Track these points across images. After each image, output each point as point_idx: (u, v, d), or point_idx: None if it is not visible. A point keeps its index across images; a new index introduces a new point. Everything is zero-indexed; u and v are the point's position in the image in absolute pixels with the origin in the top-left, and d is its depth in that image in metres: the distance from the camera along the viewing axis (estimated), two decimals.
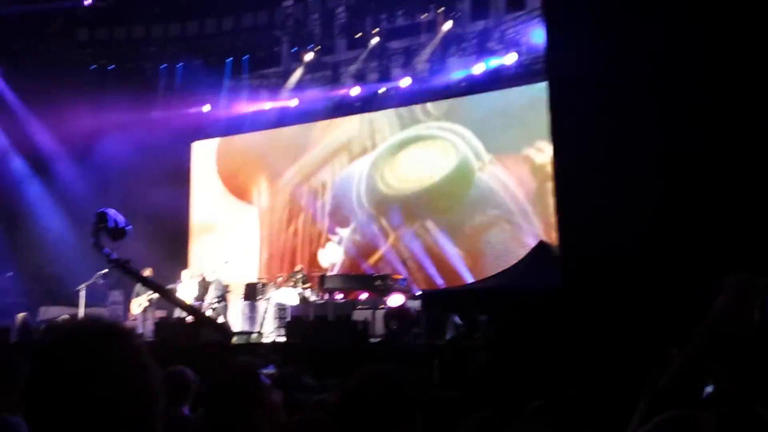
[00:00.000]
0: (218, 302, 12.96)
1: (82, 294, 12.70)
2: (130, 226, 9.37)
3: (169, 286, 12.34)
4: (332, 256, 15.52)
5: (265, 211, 17.65)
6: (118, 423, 1.32)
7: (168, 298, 11.55)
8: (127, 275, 10.43)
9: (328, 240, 16.07)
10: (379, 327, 10.55)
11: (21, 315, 11.93)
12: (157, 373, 1.40)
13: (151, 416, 1.37)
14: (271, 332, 11.52)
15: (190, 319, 10.78)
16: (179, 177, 17.98)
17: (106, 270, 11.81)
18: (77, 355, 1.33)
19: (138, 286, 12.56)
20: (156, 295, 12.43)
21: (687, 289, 4.49)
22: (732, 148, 4.96)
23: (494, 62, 14.80)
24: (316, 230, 16.54)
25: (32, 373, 1.36)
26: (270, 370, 6.25)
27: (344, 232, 15.92)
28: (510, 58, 14.54)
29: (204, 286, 13.51)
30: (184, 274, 13.74)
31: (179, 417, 3.98)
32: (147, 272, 11.08)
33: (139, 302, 12.84)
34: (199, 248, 17.92)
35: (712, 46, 5.24)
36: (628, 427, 2.09)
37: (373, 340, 10.15)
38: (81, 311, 12.57)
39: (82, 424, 1.31)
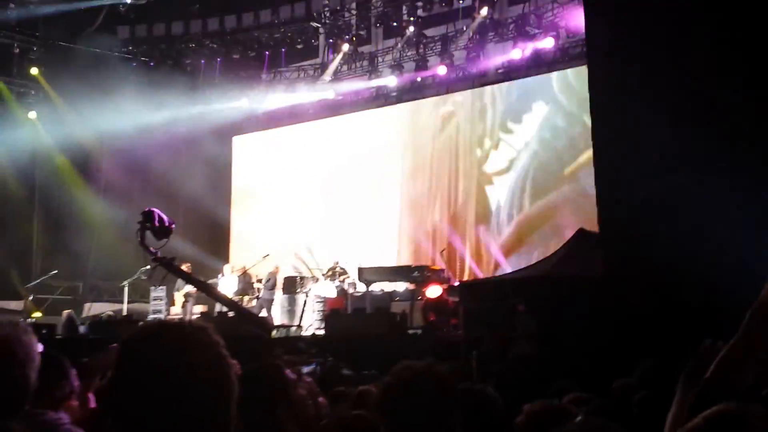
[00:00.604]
0: (268, 295, 12.95)
1: (126, 290, 12.88)
2: (174, 225, 9.46)
3: (210, 281, 12.46)
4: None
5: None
6: (200, 412, 1.39)
7: (209, 293, 11.68)
8: (171, 272, 10.51)
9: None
10: (418, 318, 10.48)
11: (66, 312, 12.13)
12: (232, 365, 1.47)
13: (228, 405, 1.43)
14: (310, 325, 11.53)
15: (231, 313, 10.85)
16: (220, 172, 18.11)
17: (149, 267, 11.93)
18: (161, 348, 1.41)
19: (179, 283, 12.70)
20: (195, 290, 12.55)
21: (728, 279, 4.36)
22: None
23: (532, 47, 14.56)
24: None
25: (117, 368, 1.43)
26: (311, 368, 6.28)
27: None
28: (548, 42, 14.28)
29: (245, 280, 13.59)
30: (226, 268, 13.83)
31: None
32: (185, 267, 11.17)
33: (180, 297, 12.97)
34: (239, 243, 18.02)
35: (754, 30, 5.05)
36: (668, 420, 2.02)
37: (411, 331, 10.08)
38: (125, 307, 12.77)
39: (165, 414, 1.37)
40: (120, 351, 1.45)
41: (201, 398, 1.39)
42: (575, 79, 13.37)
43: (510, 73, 15.03)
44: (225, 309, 11.71)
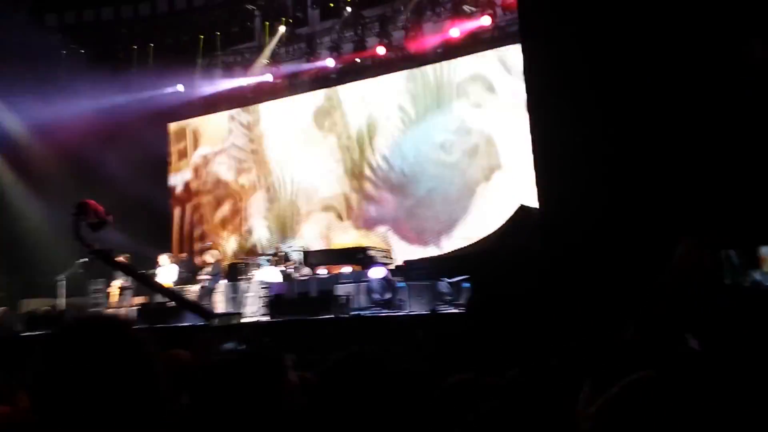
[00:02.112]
0: (211, 283, 12.80)
1: (63, 285, 12.57)
2: (110, 216, 9.18)
3: (150, 272, 12.24)
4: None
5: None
6: (126, 411, 1.39)
7: (148, 284, 11.47)
8: (109, 264, 10.32)
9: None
10: (363, 300, 10.45)
11: (1, 309, 11.80)
12: (159, 362, 1.48)
13: (157, 402, 1.44)
14: (254, 312, 11.41)
15: (171, 303, 10.68)
16: (157, 159, 17.81)
17: (86, 259, 11.68)
18: (83, 348, 1.41)
19: (117, 274, 12.45)
20: (131, 281, 12.33)
21: (660, 251, 4.43)
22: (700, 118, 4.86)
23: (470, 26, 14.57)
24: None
25: (40, 368, 1.42)
26: (231, 346, 6.14)
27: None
28: (485, 21, 14.30)
29: (187, 268, 13.41)
30: (162, 258, 13.60)
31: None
32: (122, 259, 10.95)
33: (118, 286, 12.74)
34: (179, 232, 17.81)
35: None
36: (582, 395, 2.00)
37: (355, 313, 10.05)
38: (62, 302, 12.45)
39: (90, 414, 1.36)
40: (42, 347, 1.45)
41: (122, 390, 1.39)
42: (514, 57, 13.43)
43: (448, 52, 15.00)
44: (164, 299, 11.53)
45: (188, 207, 18.13)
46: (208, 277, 13.02)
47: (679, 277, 1.91)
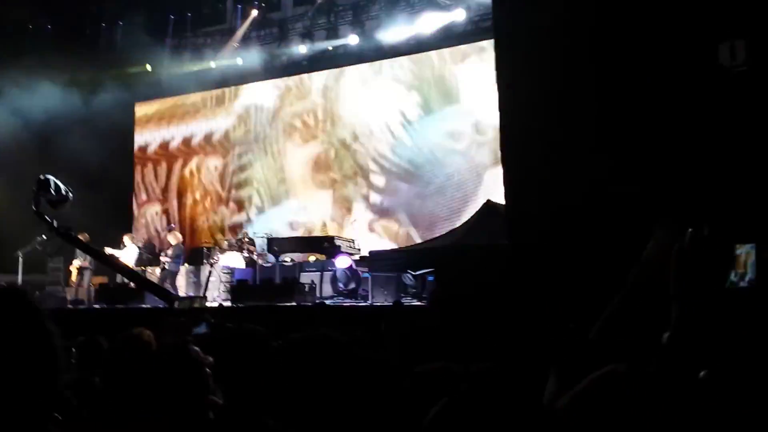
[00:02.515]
0: (173, 266, 12.67)
1: (20, 261, 12.36)
2: (72, 194, 9.03)
3: (111, 251, 12.06)
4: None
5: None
6: (20, 387, 1.33)
7: (109, 264, 11.31)
8: (69, 242, 10.14)
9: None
10: (327, 289, 10.43)
11: None
12: (59, 339, 1.40)
13: (54, 381, 1.37)
14: (216, 297, 11.33)
15: (132, 284, 10.55)
16: (122, 139, 17.59)
17: (45, 237, 11.48)
18: None
19: (77, 251, 12.26)
20: (90, 262, 12.16)
21: (628, 243, 4.49)
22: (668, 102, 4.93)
23: (443, 19, 14.57)
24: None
25: None
26: (202, 330, 6.09)
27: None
28: (458, 15, 14.31)
29: (148, 250, 13.25)
30: (126, 238, 13.42)
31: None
32: (82, 237, 10.79)
33: (76, 266, 12.56)
34: (142, 213, 17.62)
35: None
36: (548, 388, 2.01)
37: (319, 301, 10.03)
38: (19, 279, 12.23)
39: None
40: None
41: (19, 374, 1.33)
42: (485, 52, 13.47)
43: (421, 44, 14.99)
44: (126, 280, 11.38)
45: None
46: (169, 259, 12.89)
47: (651, 271, 1.91)
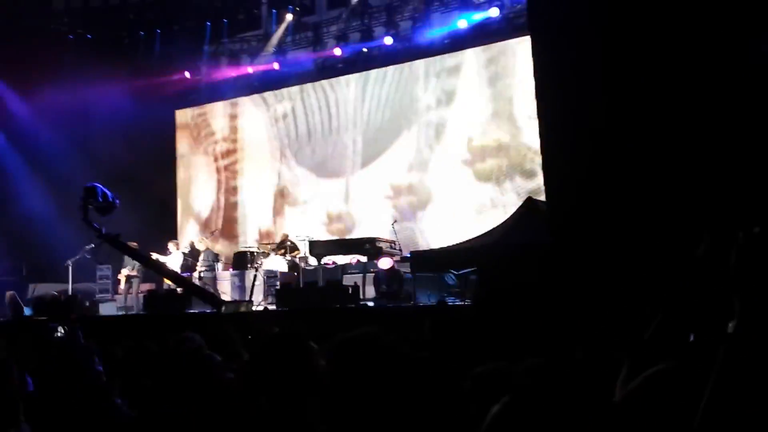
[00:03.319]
0: (208, 271, 12.91)
1: (70, 270, 12.63)
2: (118, 200, 9.27)
3: (157, 258, 12.29)
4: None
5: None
6: None
7: (158, 270, 11.55)
8: (118, 249, 10.30)
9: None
10: (370, 291, 10.50)
11: (9, 293, 11.86)
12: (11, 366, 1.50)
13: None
14: (261, 301, 11.46)
15: (180, 290, 10.74)
16: (164, 146, 17.87)
17: (93, 245, 11.74)
18: None
19: (125, 260, 12.50)
20: (139, 267, 12.38)
21: (670, 245, 4.48)
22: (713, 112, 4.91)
23: (477, 17, 14.55)
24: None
25: None
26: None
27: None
28: (493, 12, 14.28)
29: (193, 255, 13.44)
30: (171, 245, 13.63)
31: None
32: (133, 245, 11.00)
33: (125, 275, 12.79)
34: (186, 218, 17.87)
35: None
36: (617, 386, 2.06)
37: (363, 303, 10.11)
38: (69, 287, 12.51)
39: None
40: None
41: None
42: (521, 49, 13.42)
43: (456, 43, 14.98)
44: (173, 286, 11.58)
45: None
46: (203, 267, 13.07)
47: (705, 273, 1.95)
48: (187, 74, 17.35)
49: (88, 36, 17.17)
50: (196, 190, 18.02)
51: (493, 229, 10.17)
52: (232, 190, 17.55)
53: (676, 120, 5.27)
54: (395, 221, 12.54)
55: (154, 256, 12.17)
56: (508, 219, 10.04)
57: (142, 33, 17.55)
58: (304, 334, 3.01)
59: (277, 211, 16.58)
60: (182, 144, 18.50)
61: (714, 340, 2.09)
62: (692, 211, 4.72)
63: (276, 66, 16.77)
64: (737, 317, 1.70)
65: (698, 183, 4.95)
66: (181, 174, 18.35)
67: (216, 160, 17.98)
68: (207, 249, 13.68)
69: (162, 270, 10.32)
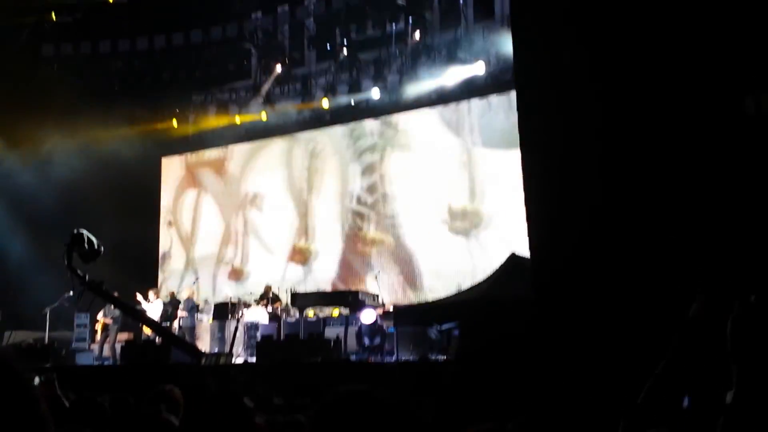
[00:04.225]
0: (188, 320, 12.74)
1: (47, 317, 12.44)
2: (102, 248, 9.16)
3: (137, 307, 12.12)
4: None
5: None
6: None
7: (140, 320, 11.38)
8: (101, 296, 10.12)
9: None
10: (352, 344, 10.37)
11: None
12: (44, 405, 1.44)
13: None
14: (241, 353, 11.29)
15: (159, 340, 10.57)
16: (148, 194, 17.78)
17: (72, 292, 11.56)
18: None
19: (104, 309, 12.33)
20: (116, 315, 12.21)
21: (657, 303, 4.44)
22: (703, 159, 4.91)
23: (464, 72, 14.73)
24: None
25: None
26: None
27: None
28: (479, 68, 14.47)
29: (173, 305, 13.28)
30: (151, 293, 13.47)
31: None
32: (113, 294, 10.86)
33: (102, 322, 12.59)
34: (166, 267, 17.74)
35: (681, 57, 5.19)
36: None
37: (345, 357, 9.98)
38: (46, 335, 12.30)
39: None
40: None
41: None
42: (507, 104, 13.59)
43: (443, 97, 15.14)
44: (153, 336, 11.40)
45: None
46: (184, 314, 12.93)
47: (697, 335, 1.93)
48: (174, 123, 17.39)
49: (78, 81, 17.20)
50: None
51: (478, 284, 10.12)
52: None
53: (670, 176, 5.26)
54: (377, 274, 12.47)
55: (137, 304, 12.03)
56: (491, 275, 9.99)
57: (130, 80, 17.60)
58: (239, 392, 2.94)
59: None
60: (167, 191, 18.45)
61: (709, 407, 2.05)
62: (684, 266, 4.69)
63: (264, 117, 16.84)
64: (735, 387, 1.66)
65: (691, 242, 4.94)
66: (163, 223, 18.25)
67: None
68: (189, 298, 13.54)
69: (143, 319, 10.17)
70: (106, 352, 12.31)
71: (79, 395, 4.66)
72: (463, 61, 14.61)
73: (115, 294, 10.77)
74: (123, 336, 12.57)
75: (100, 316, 12.39)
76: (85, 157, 15.82)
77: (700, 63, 4.92)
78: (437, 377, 8.46)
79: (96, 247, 8.74)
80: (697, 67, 4.92)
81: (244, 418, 2.76)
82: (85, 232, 8.87)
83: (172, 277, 17.29)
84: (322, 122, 16.68)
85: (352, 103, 16.12)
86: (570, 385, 4.98)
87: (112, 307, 11.76)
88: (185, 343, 10.25)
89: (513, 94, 9.00)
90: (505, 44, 13.02)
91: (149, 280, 15.94)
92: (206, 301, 14.85)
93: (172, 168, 18.52)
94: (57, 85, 16.73)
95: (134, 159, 16.27)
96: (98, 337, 12.55)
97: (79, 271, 8.89)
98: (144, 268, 16.49)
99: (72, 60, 17.29)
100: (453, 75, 14.73)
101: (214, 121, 17.50)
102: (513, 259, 9.60)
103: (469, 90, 14.74)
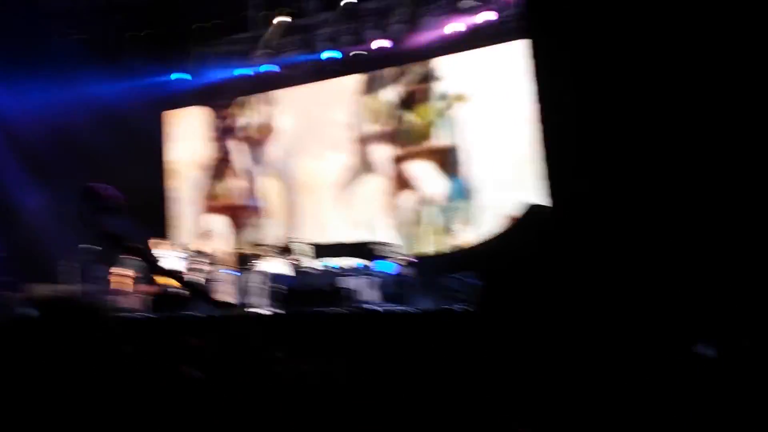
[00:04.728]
0: (204, 273, 12.85)
1: (67, 270, 12.55)
2: (121, 200, 9.16)
3: (157, 260, 12.24)
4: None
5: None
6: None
7: (161, 272, 11.51)
8: (121, 249, 10.24)
9: None
10: (373, 295, 10.53)
11: (8, 293, 11.77)
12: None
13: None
14: (262, 304, 11.43)
15: (184, 291, 10.72)
16: (152, 147, 17.84)
17: (90, 245, 11.69)
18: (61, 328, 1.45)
19: (121, 261, 12.44)
20: (137, 267, 12.33)
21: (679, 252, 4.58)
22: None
23: (469, 21, 14.67)
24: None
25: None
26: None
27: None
28: (485, 16, 14.41)
29: (188, 255, 13.41)
30: (165, 245, 13.58)
31: None
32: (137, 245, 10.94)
33: (120, 276, 12.70)
34: (179, 220, 17.85)
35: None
36: None
37: (367, 306, 10.16)
38: (66, 287, 12.40)
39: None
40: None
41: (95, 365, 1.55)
42: (517, 53, 13.59)
43: (450, 47, 15.10)
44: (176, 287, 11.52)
45: None
46: (205, 267, 13.05)
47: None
48: (173, 76, 17.29)
49: (76, 35, 17.00)
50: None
51: (495, 234, 10.25)
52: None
53: (689, 122, 5.35)
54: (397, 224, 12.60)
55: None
56: (509, 224, 10.13)
57: (129, 34, 17.39)
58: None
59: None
60: (173, 145, 18.44)
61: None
62: (708, 225, 4.81)
63: (263, 68, 16.76)
64: None
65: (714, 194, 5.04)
66: (172, 176, 18.28)
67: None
68: (200, 250, 13.65)
69: (165, 271, 10.30)
70: (127, 304, 12.43)
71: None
72: (471, 9, 14.51)
73: (136, 246, 10.86)
74: (142, 288, 12.70)
75: (120, 270, 12.51)
76: (87, 110, 15.78)
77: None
78: (456, 327, 8.65)
79: (114, 199, 8.74)
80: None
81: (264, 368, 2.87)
82: (98, 185, 8.87)
83: (186, 228, 17.46)
84: (326, 74, 16.60)
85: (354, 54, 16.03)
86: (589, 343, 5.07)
87: (131, 259, 11.88)
88: (205, 293, 10.42)
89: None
90: None
91: (161, 234, 16.04)
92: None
93: (175, 120, 18.48)
94: (54, 39, 16.57)
95: (136, 112, 16.27)
96: (125, 289, 12.67)
97: (96, 225, 8.92)
98: (155, 221, 16.58)
99: (69, 13, 17.04)
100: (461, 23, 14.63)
101: (213, 74, 17.40)
102: (533, 208, 9.73)
103: (477, 38, 14.68)
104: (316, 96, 16.87)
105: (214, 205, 17.58)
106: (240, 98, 17.75)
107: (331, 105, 16.66)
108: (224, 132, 17.97)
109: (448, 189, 14.86)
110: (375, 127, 16.11)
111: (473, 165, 14.72)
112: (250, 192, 17.21)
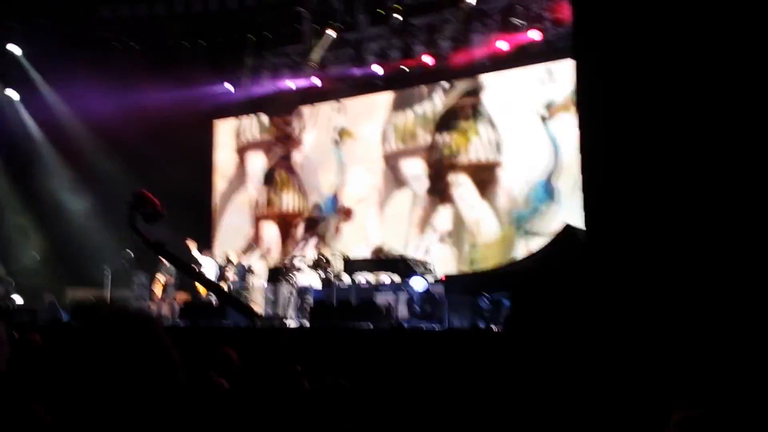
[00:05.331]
0: (240, 284, 13.01)
1: (108, 276, 12.81)
2: (164, 209, 9.31)
3: (196, 269, 12.40)
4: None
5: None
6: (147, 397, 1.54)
7: (200, 281, 11.66)
8: (163, 257, 10.48)
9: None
10: (403, 311, 10.50)
11: (48, 296, 12.08)
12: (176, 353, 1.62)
13: (176, 390, 1.59)
14: (293, 316, 11.51)
15: (216, 301, 10.83)
16: (202, 156, 18.09)
17: (130, 252, 11.92)
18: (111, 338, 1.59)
19: (160, 267, 12.65)
20: (175, 274, 12.50)
21: (708, 285, 4.43)
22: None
23: (517, 39, 14.56)
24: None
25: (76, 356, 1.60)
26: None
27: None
28: (533, 35, 14.29)
29: (226, 266, 13.57)
30: (205, 254, 13.76)
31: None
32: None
33: (161, 284, 12.91)
34: (222, 229, 18.07)
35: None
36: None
37: (395, 324, 10.12)
38: (107, 293, 12.68)
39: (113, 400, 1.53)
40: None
41: (145, 378, 1.56)
42: (561, 72, 13.43)
43: (496, 64, 15.02)
44: (210, 297, 11.69)
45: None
46: (234, 278, 13.18)
47: None
48: (228, 86, 17.53)
49: (133, 44, 17.41)
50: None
51: (530, 255, 10.17)
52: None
53: (734, 146, 5.19)
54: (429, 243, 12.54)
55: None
56: (544, 245, 10.02)
57: (184, 43, 17.72)
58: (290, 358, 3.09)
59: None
60: (221, 154, 18.71)
61: None
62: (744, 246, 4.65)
63: (316, 81, 16.89)
64: None
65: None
66: (219, 185, 18.56)
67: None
68: (239, 262, 13.81)
69: (202, 280, 10.43)
70: (165, 311, 12.67)
71: None
72: (518, 28, 14.43)
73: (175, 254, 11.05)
74: (180, 296, 12.92)
75: (159, 275, 12.73)
76: (140, 117, 16.11)
77: None
78: (487, 346, 8.55)
79: (158, 208, 8.78)
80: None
81: (292, 383, 2.90)
82: (147, 192, 8.94)
83: (227, 237, 17.68)
84: (375, 88, 16.66)
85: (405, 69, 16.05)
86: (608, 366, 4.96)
87: (170, 266, 12.07)
88: (241, 304, 10.51)
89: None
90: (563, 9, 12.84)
91: (204, 242, 16.26)
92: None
93: (225, 130, 18.74)
94: (113, 46, 16.99)
95: (188, 121, 16.53)
96: (157, 296, 12.91)
97: (141, 231, 9.00)
98: (199, 229, 16.82)
99: (129, 22, 17.46)
100: (507, 42, 14.56)
101: (265, 85, 17.59)
102: (567, 230, 9.61)
103: (524, 57, 14.57)
104: (366, 108, 16.91)
105: (263, 213, 17.74)
106: (291, 109, 17.84)
107: (375, 119, 16.68)
108: (275, 142, 18.13)
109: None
110: (415, 142, 16.08)
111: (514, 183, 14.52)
112: (298, 202, 17.34)
